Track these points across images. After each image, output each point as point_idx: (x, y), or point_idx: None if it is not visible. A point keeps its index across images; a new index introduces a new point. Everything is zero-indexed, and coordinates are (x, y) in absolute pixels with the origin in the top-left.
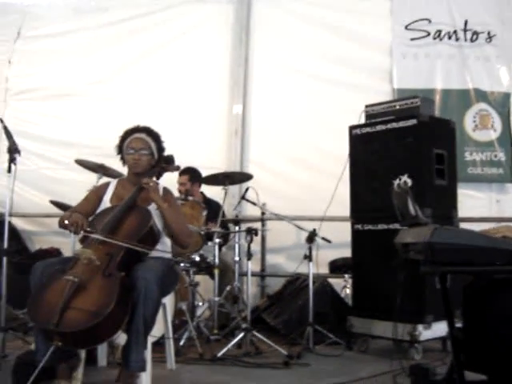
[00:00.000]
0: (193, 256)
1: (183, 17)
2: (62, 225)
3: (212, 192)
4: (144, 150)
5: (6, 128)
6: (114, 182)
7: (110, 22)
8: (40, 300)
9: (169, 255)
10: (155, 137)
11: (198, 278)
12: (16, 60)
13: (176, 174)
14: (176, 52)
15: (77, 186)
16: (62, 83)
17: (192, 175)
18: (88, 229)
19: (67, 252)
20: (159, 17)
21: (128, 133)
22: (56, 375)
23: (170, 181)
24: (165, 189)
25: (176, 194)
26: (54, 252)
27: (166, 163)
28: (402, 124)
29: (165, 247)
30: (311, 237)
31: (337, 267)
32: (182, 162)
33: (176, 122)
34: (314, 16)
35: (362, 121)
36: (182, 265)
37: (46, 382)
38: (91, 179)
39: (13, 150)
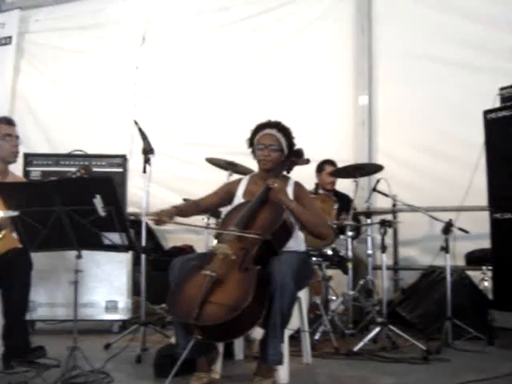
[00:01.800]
0: (325, 250)
1: (303, 10)
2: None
3: (341, 184)
4: (274, 146)
5: (140, 130)
6: (246, 178)
7: (231, 21)
8: (179, 295)
9: (303, 248)
10: (286, 132)
11: (330, 272)
12: (142, 65)
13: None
14: (298, 46)
15: (208, 185)
16: (187, 84)
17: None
18: (172, 220)
19: (200, 249)
20: (280, 12)
21: (259, 127)
22: (196, 368)
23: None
24: (296, 183)
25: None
26: (188, 249)
27: (295, 157)
28: None
29: (298, 241)
30: (447, 228)
31: (474, 259)
32: (309, 155)
33: (302, 115)
34: None
35: (497, 104)
36: (314, 259)
37: (186, 375)
38: (221, 177)
39: (148, 151)
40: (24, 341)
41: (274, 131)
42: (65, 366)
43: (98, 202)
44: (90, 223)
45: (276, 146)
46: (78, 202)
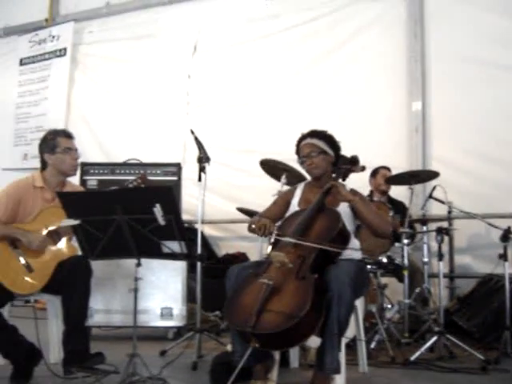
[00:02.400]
0: (380, 258)
1: (355, 16)
2: (250, 229)
3: (395, 191)
4: (313, 153)
5: (196, 138)
6: (301, 186)
7: (282, 28)
8: (236, 303)
9: (359, 255)
10: (320, 135)
11: (385, 279)
12: (194, 74)
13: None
14: (350, 52)
15: (260, 192)
16: (239, 92)
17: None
18: (275, 232)
19: (252, 256)
20: (330, 19)
21: (297, 144)
22: (252, 376)
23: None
24: (352, 190)
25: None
26: (241, 256)
27: (351, 164)
28: None
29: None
30: (506, 235)
31: None
32: (363, 161)
33: (355, 122)
34: (490, 2)
35: None
36: (369, 267)
37: (242, 382)
38: (274, 184)
39: (204, 160)
40: (84, 347)
41: (308, 140)
42: (125, 373)
43: (157, 210)
44: (149, 232)
45: (315, 151)
46: (138, 210)
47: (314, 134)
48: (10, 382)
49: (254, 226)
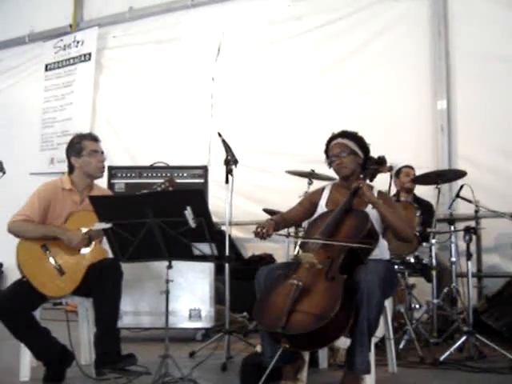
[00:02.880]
0: (408, 258)
1: (378, 16)
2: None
3: (420, 190)
4: (343, 153)
5: (224, 141)
6: (328, 187)
7: (304, 30)
8: (266, 304)
9: (387, 256)
10: (351, 136)
11: (412, 280)
12: (218, 76)
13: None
14: (373, 53)
15: (287, 194)
16: (263, 95)
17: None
18: (274, 234)
19: (279, 257)
20: (353, 20)
21: (327, 143)
22: (282, 376)
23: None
24: (379, 192)
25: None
26: (268, 258)
27: (378, 164)
28: None
29: (382, 249)
30: None
31: None
32: (388, 162)
33: (380, 122)
34: None
35: None
36: (396, 267)
37: (272, 383)
38: (301, 186)
39: (232, 162)
40: (115, 348)
41: (338, 139)
42: (157, 373)
43: (188, 213)
44: (180, 234)
45: (345, 151)
46: (169, 213)
47: (345, 134)
48: (43, 383)
49: (254, 230)
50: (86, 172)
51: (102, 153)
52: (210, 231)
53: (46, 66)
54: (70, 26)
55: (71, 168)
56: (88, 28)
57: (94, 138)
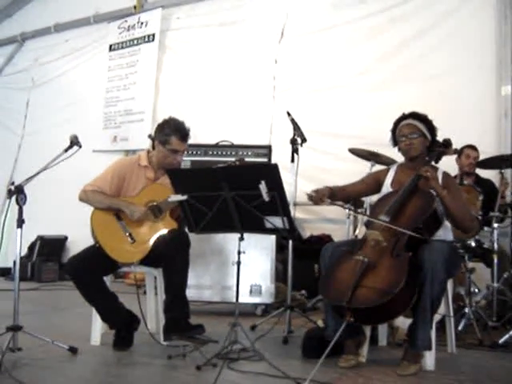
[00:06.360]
0: (469, 241)
1: (442, 0)
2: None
3: (484, 175)
4: (414, 134)
5: (293, 120)
6: (394, 167)
7: (369, 13)
8: (332, 279)
9: (451, 237)
10: (422, 119)
11: (471, 265)
12: (281, 59)
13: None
14: (437, 36)
15: (348, 176)
16: (325, 77)
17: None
18: (329, 200)
19: (337, 238)
20: (418, 3)
21: (397, 122)
22: (344, 350)
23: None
24: (444, 173)
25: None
26: (326, 238)
27: (444, 147)
28: None
29: (446, 231)
30: None
31: None
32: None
33: (443, 106)
34: None
35: None
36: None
37: (333, 357)
38: (363, 168)
39: (301, 140)
40: (184, 315)
41: (410, 120)
42: (227, 340)
43: (263, 187)
44: (253, 207)
45: (416, 133)
46: (243, 187)
47: (416, 115)
48: (114, 347)
49: (308, 193)
50: (159, 160)
51: (183, 153)
52: (283, 205)
53: (110, 47)
54: (135, 7)
55: (153, 146)
56: (152, 9)
57: (182, 137)
